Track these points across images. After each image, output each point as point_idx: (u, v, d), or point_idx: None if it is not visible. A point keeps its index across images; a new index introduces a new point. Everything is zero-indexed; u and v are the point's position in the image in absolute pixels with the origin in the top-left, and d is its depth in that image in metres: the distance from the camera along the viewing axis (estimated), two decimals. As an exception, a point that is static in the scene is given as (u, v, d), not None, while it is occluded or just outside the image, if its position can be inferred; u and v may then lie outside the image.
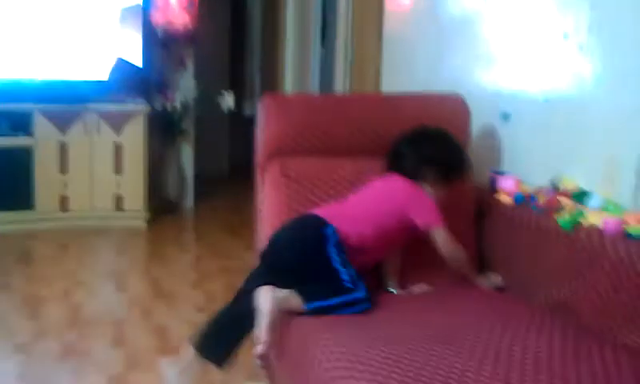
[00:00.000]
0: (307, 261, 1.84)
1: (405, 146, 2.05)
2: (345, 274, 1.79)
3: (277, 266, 1.89)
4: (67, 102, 4.45)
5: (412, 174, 2.00)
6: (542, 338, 1.63)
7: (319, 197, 2.07)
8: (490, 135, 2.44)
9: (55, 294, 3.26)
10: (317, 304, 1.74)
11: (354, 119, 2.20)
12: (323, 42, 4.99)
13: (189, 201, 5.34)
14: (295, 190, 2.05)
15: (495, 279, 2.07)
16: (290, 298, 1.75)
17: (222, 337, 1.92)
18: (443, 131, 2.09)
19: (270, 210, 2.07)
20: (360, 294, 1.77)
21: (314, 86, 5.01)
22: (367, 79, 3.82)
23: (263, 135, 2.14)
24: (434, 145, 2.05)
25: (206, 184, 5.61)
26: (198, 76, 5.21)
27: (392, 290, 2.01)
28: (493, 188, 2.23)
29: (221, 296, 3.27)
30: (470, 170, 2.15)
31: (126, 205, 4.65)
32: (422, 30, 3.05)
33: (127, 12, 4.62)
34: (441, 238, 1.97)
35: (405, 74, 3.25)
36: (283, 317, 1.76)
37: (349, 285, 1.78)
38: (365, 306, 1.76)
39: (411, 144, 2.05)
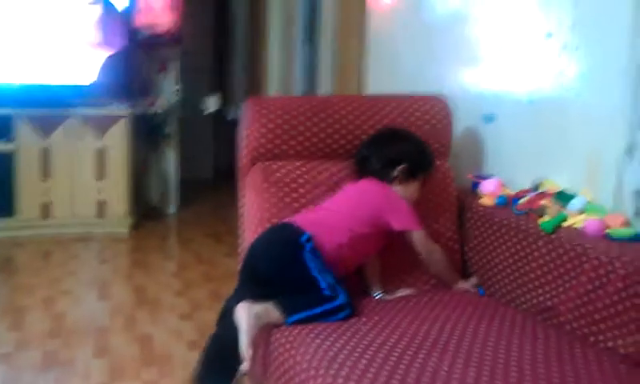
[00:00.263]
0: (284, 271, 1.83)
1: (369, 149, 2.07)
2: (323, 282, 1.78)
3: (255, 279, 1.87)
4: (49, 106, 4.41)
5: (380, 176, 2.01)
6: (525, 340, 1.63)
7: (302, 202, 2.06)
8: (474, 137, 2.45)
9: (37, 303, 3.22)
10: (297, 317, 1.72)
11: (336, 121, 2.18)
12: (308, 43, 4.98)
13: (172, 206, 5.31)
14: (277, 195, 2.03)
15: (474, 282, 2.08)
16: (270, 311, 1.73)
17: (219, 367, 1.86)
18: (406, 130, 2.13)
19: (252, 216, 2.05)
20: (340, 301, 1.76)
21: (298, 87, 4.99)
22: (352, 80, 3.82)
23: (246, 139, 2.13)
24: (397, 144, 2.06)
25: (189, 189, 5.57)
26: (182, 79, 5.18)
27: (376, 294, 2.01)
28: (475, 191, 2.23)
29: (205, 303, 3.26)
30: (435, 166, 2.15)
31: (109, 211, 4.61)
32: (406, 31, 3.05)
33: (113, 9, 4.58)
34: (420, 240, 1.98)
35: (389, 75, 3.25)
36: (265, 330, 1.74)
37: (327, 293, 1.76)
38: (346, 312, 1.75)
39: (375, 146, 2.07)
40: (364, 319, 1.74)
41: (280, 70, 5.34)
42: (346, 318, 1.73)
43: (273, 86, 5.40)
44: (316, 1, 4.64)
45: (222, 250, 4.29)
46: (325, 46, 4.36)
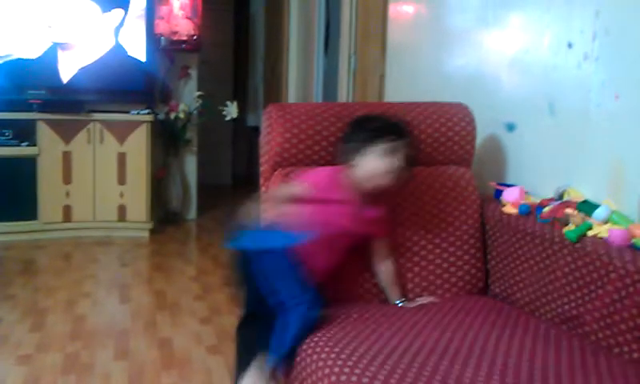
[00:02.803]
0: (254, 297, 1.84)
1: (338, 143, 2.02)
2: (282, 295, 1.75)
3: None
4: (71, 111, 4.46)
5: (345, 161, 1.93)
6: (549, 350, 1.62)
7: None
8: (496, 145, 2.44)
9: (58, 305, 3.26)
10: (276, 355, 1.69)
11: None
12: (326, 51, 4.99)
13: (192, 211, 5.34)
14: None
15: (424, 301, 2.02)
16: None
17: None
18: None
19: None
20: (303, 307, 1.71)
21: (317, 95, 5.01)
22: (371, 88, 3.82)
23: (267, 145, 2.13)
24: (351, 125, 2.00)
25: (208, 194, 5.60)
26: (202, 86, 5.23)
27: (397, 301, 2.00)
28: (498, 199, 2.22)
29: (225, 308, 3.26)
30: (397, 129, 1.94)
31: (130, 215, 4.65)
32: (426, 39, 3.05)
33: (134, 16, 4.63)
34: (388, 244, 2.00)
35: (409, 83, 3.25)
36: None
37: (292, 301, 1.73)
38: (316, 310, 1.72)
39: (340, 139, 2.01)
40: (386, 325, 1.73)
41: (299, 77, 5.36)
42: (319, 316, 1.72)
43: (291, 94, 5.42)
44: (335, 9, 4.66)
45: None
46: (344, 54, 4.36)
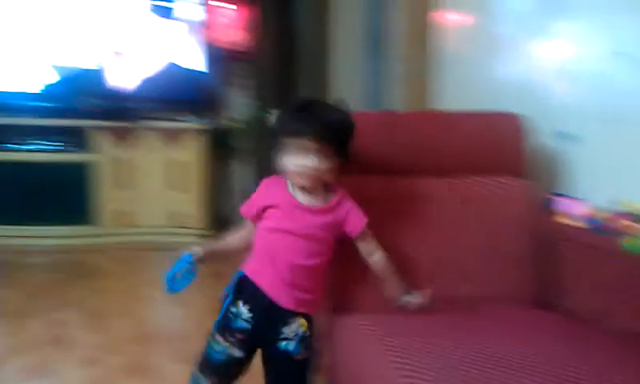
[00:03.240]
0: None
1: None
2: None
3: None
4: (127, 119, 4.61)
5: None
6: (611, 364, 1.61)
7: (377, 216, 2.09)
8: (548, 155, 2.44)
9: (119, 309, 3.37)
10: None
11: (412, 136, 2.22)
12: (373, 58, 5.03)
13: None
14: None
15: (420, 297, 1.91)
16: None
17: None
18: None
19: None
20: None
21: (363, 103, 5.04)
22: (416, 95, 3.85)
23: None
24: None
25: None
26: (254, 94, 5.31)
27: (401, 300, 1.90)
28: (551, 210, 2.23)
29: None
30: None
31: (183, 222, 4.76)
32: (473, 46, 3.07)
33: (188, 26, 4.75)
34: (370, 240, 1.90)
35: (455, 90, 3.27)
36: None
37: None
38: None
39: None
40: (446, 335, 1.75)
41: (346, 85, 5.40)
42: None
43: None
44: (380, 16, 4.69)
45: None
46: (391, 61, 4.39)
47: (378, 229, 2.01)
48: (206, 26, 4.81)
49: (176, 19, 4.70)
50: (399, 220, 2.09)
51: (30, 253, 4.31)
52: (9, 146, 4.47)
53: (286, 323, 1.81)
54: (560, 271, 2.09)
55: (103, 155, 4.59)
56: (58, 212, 4.52)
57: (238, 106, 5.21)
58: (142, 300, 3.56)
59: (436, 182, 2.14)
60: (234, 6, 5.02)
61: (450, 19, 3.35)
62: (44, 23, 4.47)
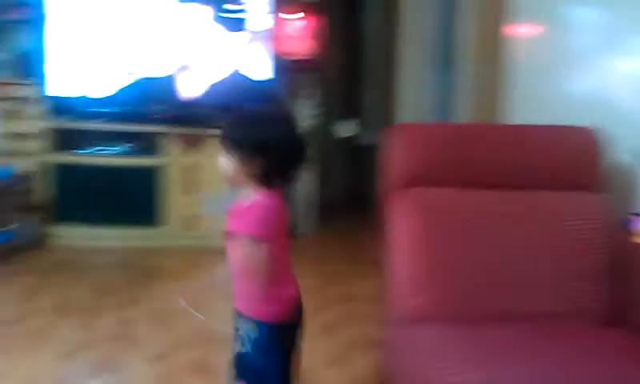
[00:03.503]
0: None
1: None
2: None
3: None
4: (196, 125, 4.71)
5: None
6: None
7: (451, 228, 2.08)
8: (626, 172, 2.38)
9: (182, 311, 3.44)
10: None
11: (485, 150, 2.20)
12: (441, 69, 5.00)
13: (310, 227, 5.47)
14: (427, 222, 2.07)
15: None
16: None
17: None
18: None
19: (400, 242, 2.10)
20: None
21: (432, 115, 5.02)
22: (487, 108, 3.80)
23: (393, 164, 2.18)
24: None
25: (323, 211, 5.71)
26: (320, 103, 5.35)
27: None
28: (630, 229, 2.17)
29: (341, 323, 3.34)
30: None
31: (248, 227, 4.81)
32: (546, 60, 3.01)
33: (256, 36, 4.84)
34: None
35: (527, 104, 3.21)
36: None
37: None
38: None
39: None
40: (523, 352, 1.72)
41: (412, 96, 5.38)
42: None
43: (404, 113, 5.45)
44: (451, 28, 4.66)
45: (357, 272, 4.37)
46: (460, 73, 4.36)
47: (447, 241, 2.00)
48: (274, 36, 4.87)
49: (244, 30, 4.78)
50: (470, 233, 2.07)
51: (100, 253, 4.44)
52: (83, 149, 4.63)
53: (240, 323, 1.89)
54: (635, 290, 2.03)
55: (172, 160, 4.71)
56: (127, 214, 4.65)
57: (304, 115, 5.25)
58: (206, 301, 3.62)
59: (508, 196, 2.12)
60: (302, 17, 5.07)
61: (521, 31, 3.30)
62: (119, 33, 4.63)
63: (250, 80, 4.82)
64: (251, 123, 1.81)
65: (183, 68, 4.73)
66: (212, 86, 4.78)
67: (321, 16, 5.16)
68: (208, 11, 4.70)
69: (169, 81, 4.72)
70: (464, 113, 4.23)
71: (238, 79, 4.81)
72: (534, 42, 3.18)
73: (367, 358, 2.90)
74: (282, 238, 1.84)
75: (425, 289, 2.01)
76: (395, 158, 2.20)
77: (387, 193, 2.26)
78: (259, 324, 1.84)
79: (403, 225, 2.11)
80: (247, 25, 4.78)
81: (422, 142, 2.19)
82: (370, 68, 6.84)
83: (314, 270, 4.51)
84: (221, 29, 4.73)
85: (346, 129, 5.29)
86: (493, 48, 3.65)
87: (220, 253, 4.47)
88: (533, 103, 3.13)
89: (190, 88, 4.76)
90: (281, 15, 4.97)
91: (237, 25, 4.76)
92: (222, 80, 4.79)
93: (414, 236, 2.05)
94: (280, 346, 1.86)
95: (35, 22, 4.59)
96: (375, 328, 3.27)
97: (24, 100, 4.61)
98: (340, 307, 3.60)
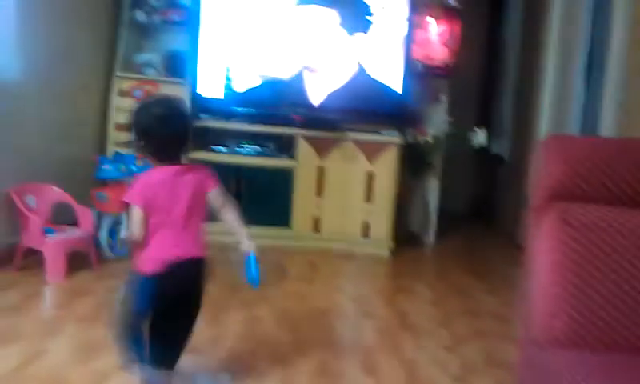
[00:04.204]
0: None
1: None
2: None
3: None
4: (328, 129, 4.74)
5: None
6: None
7: (598, 248, 1.93)
8: None
9: (309, 312, 3.45)
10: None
11: (636, 166, 2.03)
12: (588, 79, 4.74)
13: (431, 236, 5.37)
14: (577, 239, 1.93)
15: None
16: None
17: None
18: None
19: (544, 258, 1.97)
20: None
21: (574, 128, 4.77)
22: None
23: (542, 178, 2.06)
24: None
25: (445, 220, 5.59)
26: (450, 111, 5.24)
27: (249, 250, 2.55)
28: None
29: (467, 339, 3.21)
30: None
31: (373, 233, 4.79)
32: None
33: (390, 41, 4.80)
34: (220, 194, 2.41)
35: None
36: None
37: None
38: None
39: None
40: None
41: (553, 107, 5.14)
42: None
43: (544, 124, 5.22)
44: (601, 38, 4.40)
45: (482, 286, 4.23)
46: (610, 86, 4.10)
47: (592, 261, 1.86)
48: (410, 40, 4.81)
49: (372, 33, 4.76)
50: (618, 254, 1.91)
51: (230, 249, 4.55)
52: (220, 148, 4.78)
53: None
54: None
55: (304, 163, 4.76)
56: (259, 213, 4.74)
57: (436, 122, 5.15)
58: (330, 306, 3.62)
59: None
60: (438, 22, 4.97)
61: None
62: (255, 35, 4.77)
63: (379, 84, 4.79)
64: (137, 111, 2.23)
65: (311, 71, 4.78)
66: (345, 90, 4.79)
67: (457, 22, 5.04)
68: (333, 14, 4.71)
69: (299, 84, 4.79)
70: (612, 126, 3.98)
71: (370, 84, 4.80)
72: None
73: (492, 377, 2.77)
74: (159, 209, 2.19)
75: (566, 311, 1.88)
76: (542, 171, 2.08)
77: (531, 207, 2.14)
78: (134, 271, 2.26)
79: (546, 241, 1.98)
80: (378, 28, 4.75)
81: (570, 155, 2.04)
82: (509, 76, 6.61)
83: (434, 282, 4.41)
84: (344, 33, 4.74)
85: (477, 138, 5.14)
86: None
87: (344, 256, 4.54)
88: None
89: (323, 92, 4.80)
90: (417, 20, 4.90)
91: (360, 28, 4.75)
92: (355, 85, 4.79)
93: (557, 254, 1.92)
94: (145, 290, 2.23)
95: (187, 23, 4.83)
96: (499, 346, 3.14)
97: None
98: (462, 322, 3.47)
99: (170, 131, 2.19)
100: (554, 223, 1.97)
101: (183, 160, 2.30)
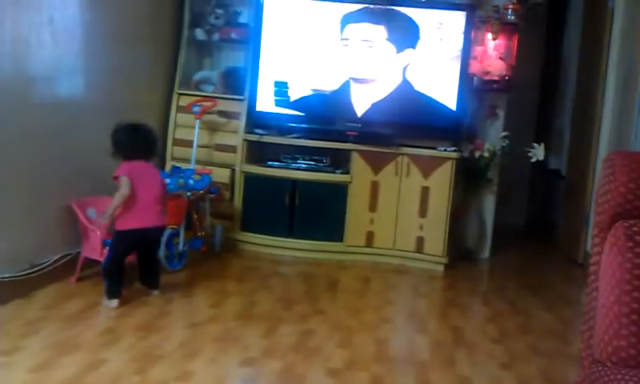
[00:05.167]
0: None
1: None
2: None
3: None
4: (382, 144, 4.74)
5: None
6: None
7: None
8: None
9: (362, 326, 3.44)
10: None
11: None
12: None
13: (486, 251, 5.29)
14: (636, 258, 1.88)
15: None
16: None
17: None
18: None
19: (608, 276, 1.92)
20: None
21: (635, 145, 4.63)
22: None
23: (606, 195, 2.01)
24: None
25: (500, 235, 5.50)
26: (507, 125, 5.17)
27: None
28: None
29: (524, 356, 3.16)
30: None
31: (427, 248, 4.75)
32: None
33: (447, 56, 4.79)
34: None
35: None
36: None
37: None
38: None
39: None
40: None
41: (614, 123, 5.01)
42: None
43: (604, 140, 5.09)
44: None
45: (538, 302, 4.14)
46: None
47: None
48: (466, 55, 4.78)
49: (432, 50, 4.75)
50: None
51: (284, 262, 4.61)
52: (276, 163, 4.83)
53: None
54: None
55: (358, 177, 4.76)
56: (313, 227, 4.78)
57: (492, 137, 5.09)
58: (383, 320, 3.60)
59: None
60: (495, 37, 4.92)
61: None
62: (307, 51, 4.86)
63: (426, 97, 4.78)
64: (113, 132, 3.49)
65: (355, 85, 4.81)
66: (398, 105, 4.79)
67: (514, 36, 4.98)
68: (380, 30, 4.73)
69: (346, 95, 4.83)
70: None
71: (424, 99, 4.78)
72: None
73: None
74: (137, 185, 3.40)
75: (631, 330, 1.83)
76: (606, 187, 2.03)
77: (595, 224, 2.09)
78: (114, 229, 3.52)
79: (611, 259, 1.93)
80: (433, 44, 4.74)
81: (635, 171, 1.99)
82: (567, 90, 6.48)
83: (489, 298, 4.34)
84: (392, 48, 4.75)
85: (535, 153, 5.05)
86: None
87: (398, 271, 4.52)
88: None
89: (364, 101, 4.82)
90: (475, 35, 4.87)
91: (407, 44, 4.74)
92: (409, 99, 4.79)
93: (622, 272, 1.87)
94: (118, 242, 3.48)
95: (248, 41, 4.96)
96: (556, 364, 3.07)
97: (229, 114, 4.92)
98: (518, 339, 3.41)
99: (139, 147, 3.50)
100: (618, 240, 1.92)
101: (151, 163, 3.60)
